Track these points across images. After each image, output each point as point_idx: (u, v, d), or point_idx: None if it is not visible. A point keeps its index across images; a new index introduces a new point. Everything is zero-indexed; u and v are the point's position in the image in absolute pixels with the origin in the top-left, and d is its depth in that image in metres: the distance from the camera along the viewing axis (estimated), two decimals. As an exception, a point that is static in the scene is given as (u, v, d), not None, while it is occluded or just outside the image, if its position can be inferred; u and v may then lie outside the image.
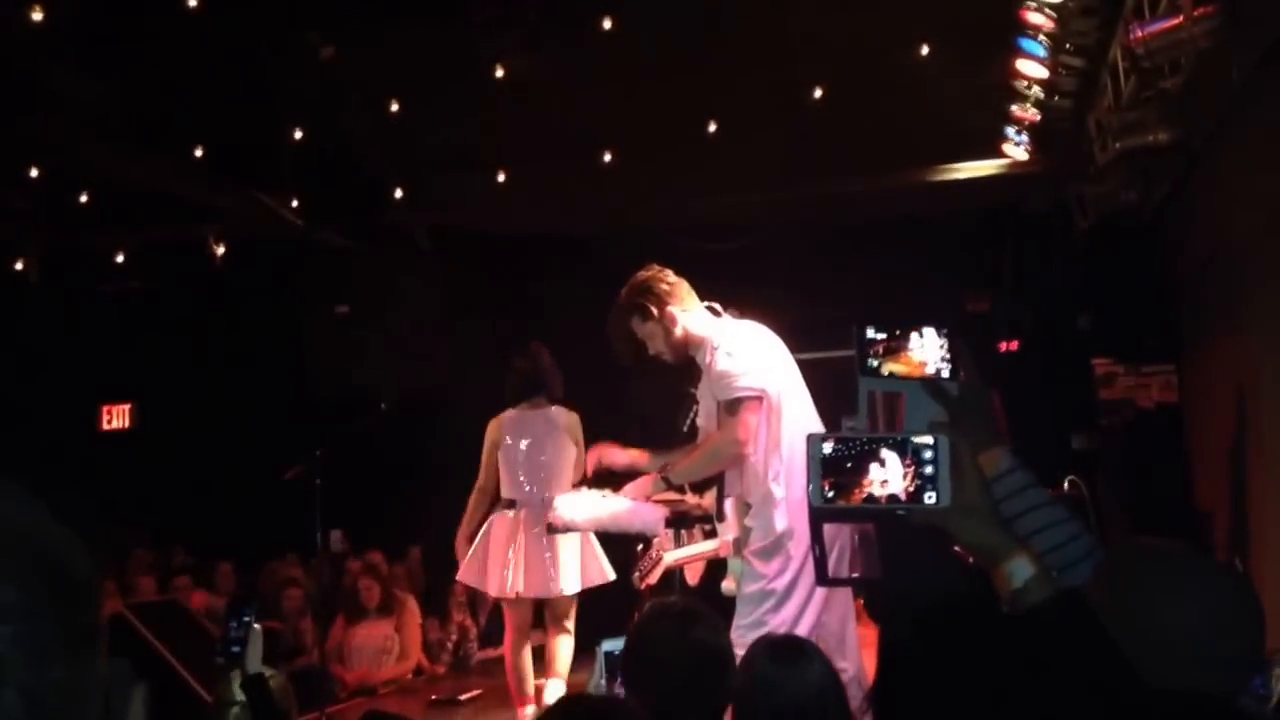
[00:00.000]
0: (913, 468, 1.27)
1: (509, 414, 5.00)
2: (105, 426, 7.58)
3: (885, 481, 1.26)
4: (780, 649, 2.28)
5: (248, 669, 1.50)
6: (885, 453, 1.27)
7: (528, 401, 5.01)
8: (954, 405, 1.39)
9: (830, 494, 1.27)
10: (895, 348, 1.42)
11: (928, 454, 1.27)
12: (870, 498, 1.27)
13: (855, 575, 2.45)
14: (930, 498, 1.26)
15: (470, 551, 4.94)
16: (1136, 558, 1.44)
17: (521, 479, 4.92)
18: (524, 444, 4.95)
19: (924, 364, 1.42)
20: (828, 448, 1.28)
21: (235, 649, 1.49)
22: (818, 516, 1.41)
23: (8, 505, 0.56)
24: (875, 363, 1.42)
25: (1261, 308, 4.46)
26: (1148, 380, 6.15)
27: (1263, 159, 4.21)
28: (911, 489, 1.26)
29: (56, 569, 0.55)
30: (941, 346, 1.44)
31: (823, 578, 2.37)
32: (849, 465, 1.27)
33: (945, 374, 1.43)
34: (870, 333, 1.43)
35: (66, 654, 0.54)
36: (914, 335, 1.43)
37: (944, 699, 1.38)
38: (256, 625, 1.51)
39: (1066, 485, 4.82)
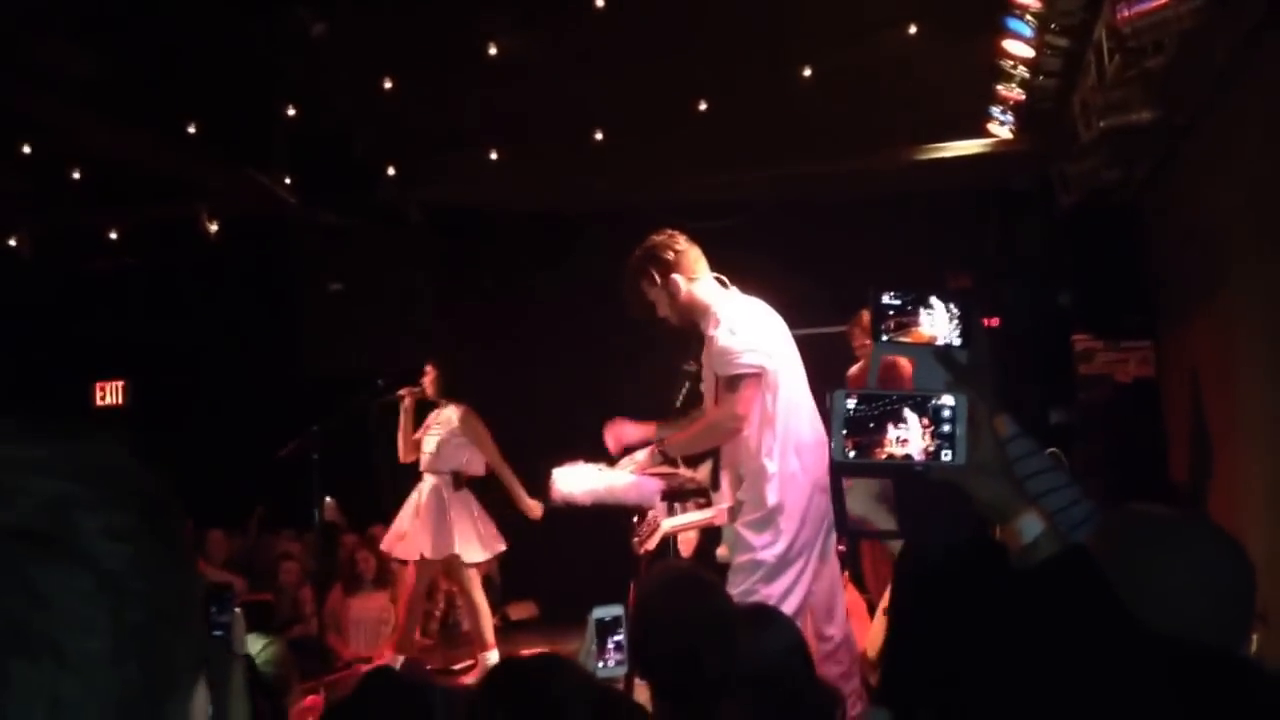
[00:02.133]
0: (931, 427, 1.32)
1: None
2: (99, 404, 7.59)
3: (905, 440, 1.32)
4: (748, 617, 2.37)
5: (235, 650, 1.55)
6: (906, 412, 1.32)
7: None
8: (961, 373, 1.44)
9: (852, 451, 1.32)
10: (906, 322, 1.48)
11: (947, 413, 1.32)
12: (891, 455, 1.33)
13: (879, 529, 2.54)
14: (947, 455, 1.31)
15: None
16: (1133, 522, 1.50)
17: None
18: None
19: (934, 338, 1.48)
20: (851, 404, 1.32)
21: (217, 633, 1.55)
22: (838, 471, 1.47)
23: (117, 447, 0.64)
24: (886, 336, 1.47)
25: (1239, 285, 4.57)
26: (1126, 356, 6.26)
27: (1243, 139, 4.30)
28: (931, 448, 1.31)
29: (158, 498, 0.63)
30: (952, 319, 1.50)
31: (842, 527, 2.44)
32: (871, 424, 1.32)
33: (955, 343, 1.49)
34: (886, 298, 1.47)
35: (176, 570, 0.62)
36: (923, 310, 1.48)
37: (955, 652, 1.46)
38: (237, 609, 1.57)
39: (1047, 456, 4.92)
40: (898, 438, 1.32)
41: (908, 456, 1.32)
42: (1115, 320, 6.28)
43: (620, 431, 3.98)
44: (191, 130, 5.70)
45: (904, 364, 1.58)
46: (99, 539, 0.58)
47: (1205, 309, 5.15)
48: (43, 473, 0.58)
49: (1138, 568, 1.41)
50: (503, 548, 5.89)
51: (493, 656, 5.65)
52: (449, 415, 5.76)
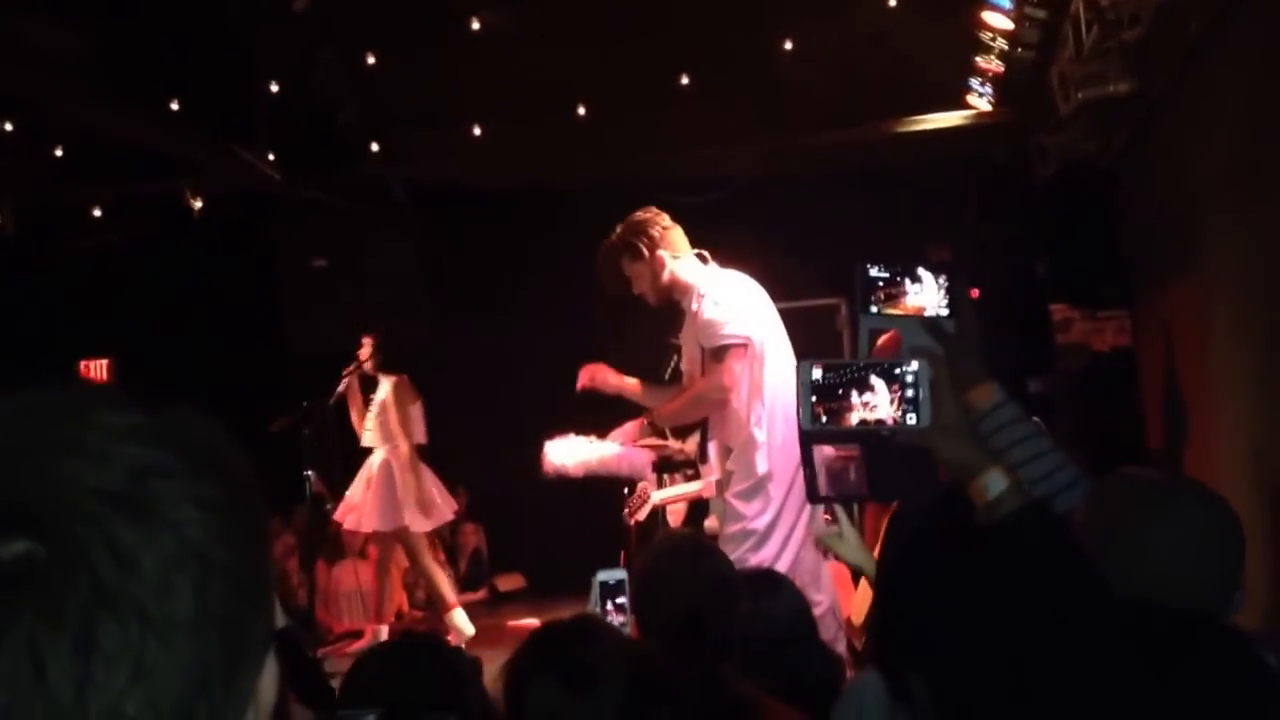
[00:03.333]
0: (899, 392, 1.37)
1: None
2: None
3: (873, 406, 1.37)
4: (755, 582, 2.44)
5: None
6: (873, 379, 1.37)
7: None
8: (949, 343, 1.49)
9: (824, 417, 1.37)
10: (894, 294, 1.53)
11: (910, 379, 1.36)
12: (861, 421, 1.37)
13: (841, 493, 2.60)
14: (912, 419, 1.36)
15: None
16: (1124, 486, 1.53)
17: None
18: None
19: (921, 309, 1.53)
20: (817, 374, 1.37)
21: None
22: (807, 439, 1.51)
23: (206, 420, 0.65)
24: (875, 308, 1.53)
25: (1212, 253, 4.66)
26: (1103, 325, 6.35)
27: (1216, 109, 4.37)
28: (897, 414, 1.37)
29: (238, 471, 0.64)
30: (940, 290, 1.55)
31: (814, 496, 2.50)
32: (840, 391, 1.37)
33: (943, 314, 1.54)
34: (873, 271, 1.51)
35: (256, 544, 0.63)
36: (910, 281, 1.54)
37: (934, 611, 1.52)
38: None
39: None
40: (866, 403, 1.37)
41: (878, 421, 1.37)
42: (1092, 290, 6.35)
43: (598, 374, 3.98)
44: (175, 106, 5.67)
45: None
46: (186, 506, 0.58)
47: (1180, 277, 5.23)
48: (135, 439, 0.59)
49: (1129, 530, 1.44)
50: (450, 516, 6.07)
51: (458, 615, 5.78)
52: (384, 388, 5.84)
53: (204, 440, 0.63)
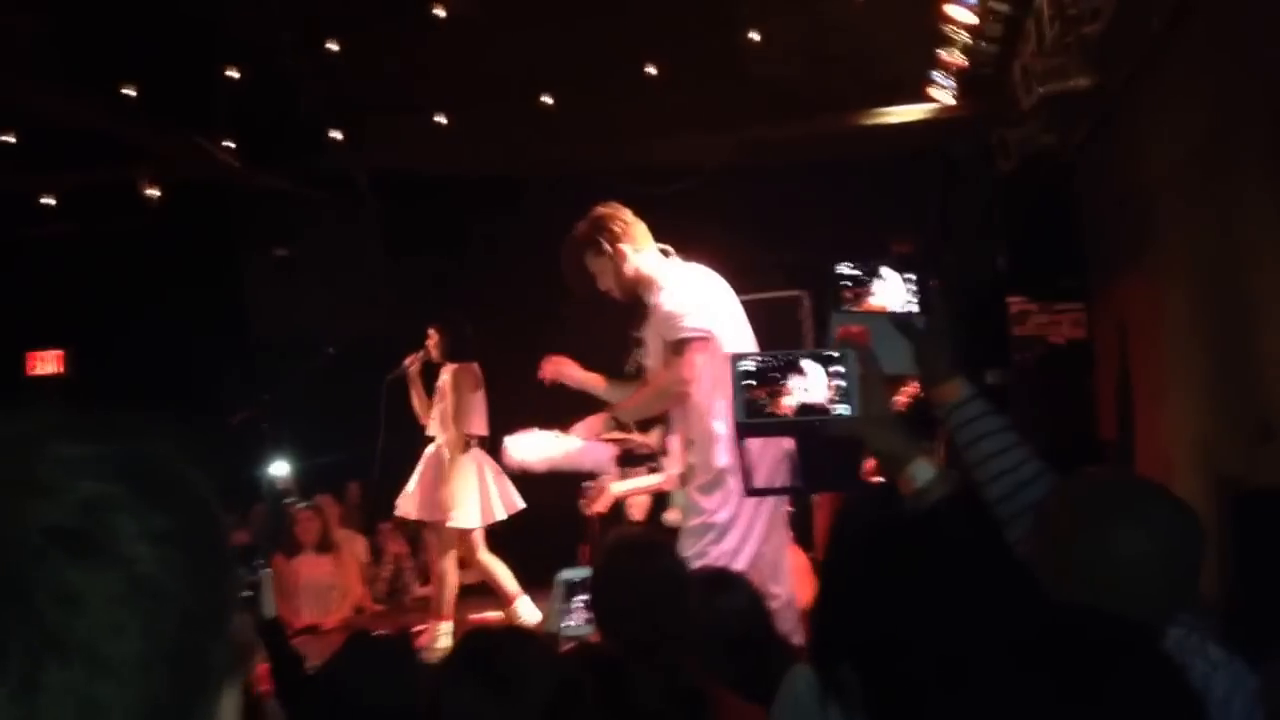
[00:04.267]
0: (832, 381, 1.42)
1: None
2: (32, 373, 7.39)
3: (807, 389, 1.41)
4: (711, 581, 2.46)
5: (264, 614, 1.56)
6: (804, 363, 1.42)
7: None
8: (919, 339, 1.52)
9: (758, 407, 1.41)
10: (861, 292, 1.56)
11: (840, 368, 1.41)
12: (800, 405, 1.41)
13: (780, 485, 2.63)
14: (844, 409, 1.42)
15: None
16: (1091, 487, 1.55)
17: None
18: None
19: (885, 306, 1.56)
20: (748, 365, 1.41)
21: (248, 593, 1.58)
22: (741, 432, 1.53)
23: (163, 444, 0.64)
24: (845, 306, 1.55)
25: (1167, 248, 4.73)
26: (1059, 318, 6.42)
27: (1174, 105, 4.43)
28: (829, 401, 1.42)
29: (195, 499, 0.63)
30: (909, 287, 1.58)
31: (750, 489, 2.53)
32: (772, 376, 1.41)
33: (913, 310, 1.57)
34: (842, 269, 1.55)
35: (215, 574, 0.62)
36: (877, 280, 1.56)
37: (867, 604, 1.54)
38: (267, 570, 1.61)
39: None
40: (802, 386, 1.41)
41: (810, 408, 1.40)
42: (1050, 283, 6.43)
43: (563, 369, 3.97)
44: (132, 93, 5.57)
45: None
46: (138, 542, 0.57)
47: (1135, 271, 5.31)
48: (88, 473, 0.58)
49: (1088, 532, 1.45)
50: (502, 516, 5.69)
51: (522, 604, 5.60)
52: (445, 378, 5.73)
53: (159, 469, 0.63)
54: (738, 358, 1.42)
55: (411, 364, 5.81)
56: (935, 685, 1.27)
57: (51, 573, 0.55)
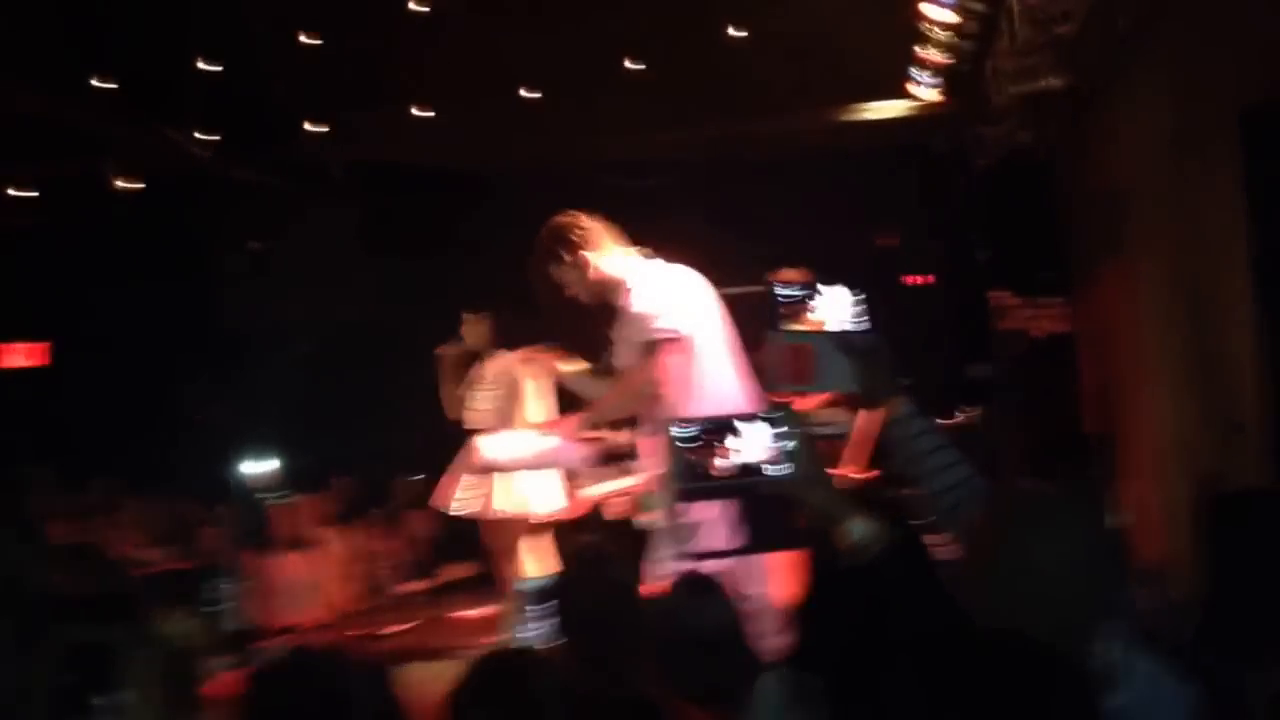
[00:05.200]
0: (768, 441, 1.44)
1: None
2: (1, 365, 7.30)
3: (740, 451, 1.44)
4: (680, 586, 2.45)
5: (227, 627, 1.55)
6: (738, 424, 1.44)
7: None
8: (858, 357, 1.54)
9: (699, 471, 1.44)
10: (798, 310, 1.55)
11: (775, 428, 1.44)
12: (739, 466, 1.44)
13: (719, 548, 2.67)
14: (780, 469, 1.44)
15: None
16: (1013, 503, 1.56)
17: None
18: None
19: (823, 323, 1.55)
20: (681, 431, 1.44)
21: (212, 609, 1.57)
22: (683, 497, 1.58)
23: None
24: (782, 324, 1.55)
25: (1139, 246, 4.74)
26: (1041, 312, 6.45)
27: (1146, 103, 4.44)
28: (766, 459, 1.44)
29: (10, 583, 0.63)
30: (852, 304, 1.57)
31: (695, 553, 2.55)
32: (707, 440, 1.44)
33: (853, 328, 1.56)
34: (781, 291, 1.56)
35: (16, 656, 0.62)
36: (815, 299, 1.56)
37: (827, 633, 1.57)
38: (230, 584, 1.59)
39: (960, 416, 5.09)
40: (735, 449, 1.44)
41: (748, 469, 1.43)
42: (1031, 277, 6.45)
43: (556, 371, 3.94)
44: (100, 84, 5.50)
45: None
46: None
47: (1114, 266, 5.32)
48: None
49: (1014, 546, 1.46)
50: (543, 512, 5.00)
51: None
52: (502, 366, 5.16)
53: None
54: (672, 423, 1.44)
55: (446, 351, 5.27)
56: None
57: None
